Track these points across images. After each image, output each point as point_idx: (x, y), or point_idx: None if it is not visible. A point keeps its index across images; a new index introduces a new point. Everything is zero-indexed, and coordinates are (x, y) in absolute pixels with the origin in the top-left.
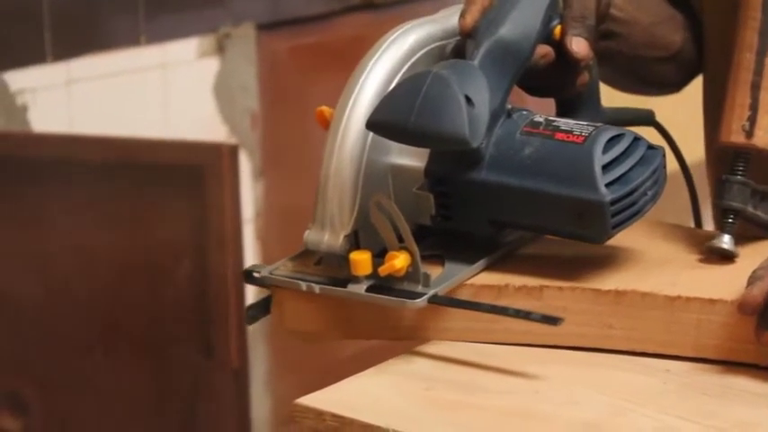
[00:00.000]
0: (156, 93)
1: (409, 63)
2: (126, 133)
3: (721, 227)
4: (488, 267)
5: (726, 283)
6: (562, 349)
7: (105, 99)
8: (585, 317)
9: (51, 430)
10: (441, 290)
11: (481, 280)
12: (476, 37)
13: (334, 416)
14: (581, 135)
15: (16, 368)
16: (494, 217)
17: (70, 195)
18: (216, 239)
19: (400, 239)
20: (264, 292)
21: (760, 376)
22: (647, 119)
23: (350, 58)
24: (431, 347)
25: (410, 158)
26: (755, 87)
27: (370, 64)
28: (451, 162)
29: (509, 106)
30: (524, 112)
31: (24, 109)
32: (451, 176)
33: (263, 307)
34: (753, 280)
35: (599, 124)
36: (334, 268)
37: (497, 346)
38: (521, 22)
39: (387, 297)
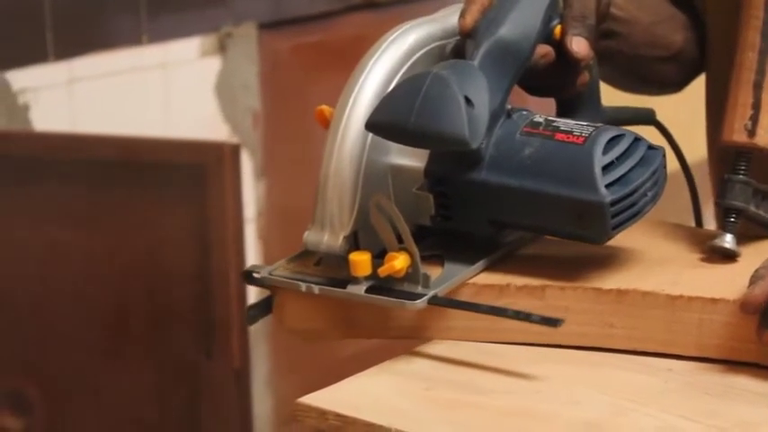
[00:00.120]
0: (158, 92)
1: (409, 63)
2: (127, 132)
3: (723, 226)
4: (489, 267)
5: (728, 282)
6: (563, 348)
7: (107, 98)
8: (587, 316)
9: (53, 430)
10: (440, 291)
11: (483, 279)
12: (476, 37)
13: (338, 415)
14: (581, 136)
15: (18, 368)
16: (493, 217)
17: (71, 194)
18: (217, 239)
19: (400, 240)
20: (266, 292)
21: (762, 376)
22: (648, 118)
23: (351, 58)
24: (431, 347)
25: (410, 159)
26: (758, 87)
27: (370, 64)
28: (451, 162)
29: (509, 106)
30: (524, 113)
31: (26, 108)
32: (451, 177)
33: (263, 307)
34: (755, 279)
35: (599, 124)
36: (333, 269)
37: (498, 345)
38: (521, 21)
39: (386, 298)
